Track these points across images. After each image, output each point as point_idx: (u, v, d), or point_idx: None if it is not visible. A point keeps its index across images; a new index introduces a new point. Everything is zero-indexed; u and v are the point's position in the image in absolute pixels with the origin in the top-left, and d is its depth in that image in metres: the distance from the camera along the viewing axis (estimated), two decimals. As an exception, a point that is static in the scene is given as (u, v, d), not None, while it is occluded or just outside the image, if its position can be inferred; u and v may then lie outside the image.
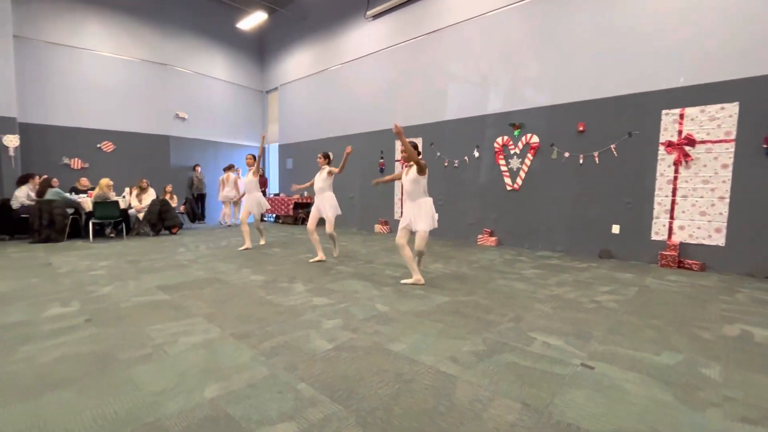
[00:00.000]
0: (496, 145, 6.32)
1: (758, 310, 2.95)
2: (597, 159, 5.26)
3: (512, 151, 6.14)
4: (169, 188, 8.04)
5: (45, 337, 2.30)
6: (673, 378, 1.85)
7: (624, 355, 2.11)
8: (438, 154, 7.14)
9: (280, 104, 11.11)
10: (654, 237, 4.86)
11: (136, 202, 7.39)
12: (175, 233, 7.58)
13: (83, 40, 8.45)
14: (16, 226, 6.49)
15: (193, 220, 9.17)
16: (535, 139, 5.86)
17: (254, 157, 5.75)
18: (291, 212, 9.65)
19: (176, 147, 9.94)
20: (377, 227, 8.24)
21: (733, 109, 4.27)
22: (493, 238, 6.33)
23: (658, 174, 4.79)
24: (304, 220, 9.92)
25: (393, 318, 2.71)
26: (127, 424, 1.46)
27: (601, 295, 3.34)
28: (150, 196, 7.51)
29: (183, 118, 10.02)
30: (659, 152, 4.78)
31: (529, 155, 5.95)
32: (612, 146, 5.13)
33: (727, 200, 4.32)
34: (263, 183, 10.89)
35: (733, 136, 4.29)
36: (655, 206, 4.83)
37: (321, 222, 7.07)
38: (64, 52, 8.21)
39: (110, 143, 8.86)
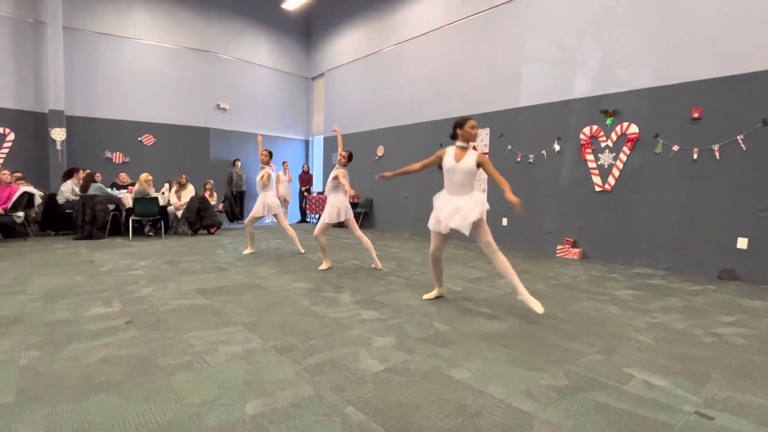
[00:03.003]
0: (582, 136, 6.01)
1: None
2: (717, 154, 4.81)
3: (603, 144, 5.81)
4: (209, 185, 8.63)
5: (89, 337, 2.57)
6: (828, 440, 1.64)
7: (756, 405, 1.91)
8: (509, 147, 6.95)
9: (326, 92, 11.48)
10: (797, 255, 4.33)
11: (175, 199, 8.01)
12: (213, 233, 8.10)
13: (128, 29, 9.36)
14: (62, 221, 7.32)
15: (232, 220, 9.75)
16: (634, 128, 5.49)
17: (270, 153, 5.93)
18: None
19: (216, 140, 10.65)
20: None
21: None
22: (577, 250, 6.02)
23: (804, 173, 4.27)
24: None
25: (454, 339, 2.68)
26: (168, 435, 1.59)
27: (721, 327, 3.04)
28: (189, 192, 8.10)
29: (224, 109, 10.71)
30: (807, 145, 4.26)
31: (626, 149, 5.58)
32: (739, 137, 4.66)
33: None
34: (308, 180, 11.30)
35: None
36: None
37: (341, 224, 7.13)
38: (108, 42, 9.15)
39: (151, 136, 9.72)
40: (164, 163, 9.70)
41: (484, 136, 7.33)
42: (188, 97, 10.19)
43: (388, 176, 3.76)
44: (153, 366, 2.18)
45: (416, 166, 3.61)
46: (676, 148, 5.13)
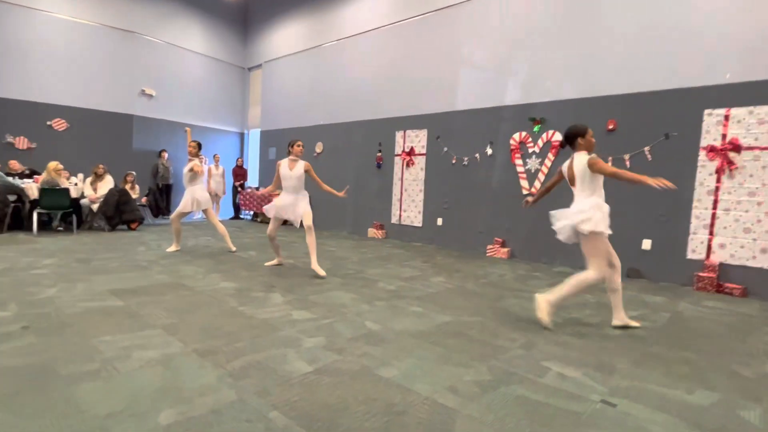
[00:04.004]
0: (512, 141, 6.34)
1: (807, 345, 2.97)
2: (628, 163, 5.29)
3: (531, 150, 6.16)
4: (130, 177, 8.00)
5: (-27, 345, 2.27)
6: (707, 421, 1.85)
7: (652, 391, 2.11)
8: (445, 149, 7.15)
9: (263, 84, 11.10)
10: (690, 255, 4.88)
11: (91, 190, 7.34)
12: (134, 229, 7.53)
13: (38, 0, 8.40)
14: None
15: (156, 215, 9.12)
16: (558, 136, 5.88)
17: (199, 145, 5.66)
18: (271, 210, 9.61)
19: (141, 128, 9.89)
20: (371, 231, 8.23)
21: (785, 112, 4.31)
22: (505, 250, 6.34)
23: (697, 183, 4.82)
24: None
25: (385, 338, 2.69)
26: (66, 453, 1.43)
27: (627, 321, 3.34)
28: (107, 184, 7.46)
29: (150, 96, 9.98)
30: (699, 158, 4.81)
31: (550, 155, 5.97)
32: (646, 149, 5.16)
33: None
34: (242, 175, 10.86)
35: (784, 144, 4.33)
36: (693, 220, 4.86)
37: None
38: (14, 13, 8.14)
39: (63, 121, 8.80)
40: (79, 151, 8.82)
41: (421, 137, 7.48)
42: (108, 81, 9.35)
43: (532, 202, 3.81)
44: (52, 376, 1.96)
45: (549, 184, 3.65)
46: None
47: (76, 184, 7.35)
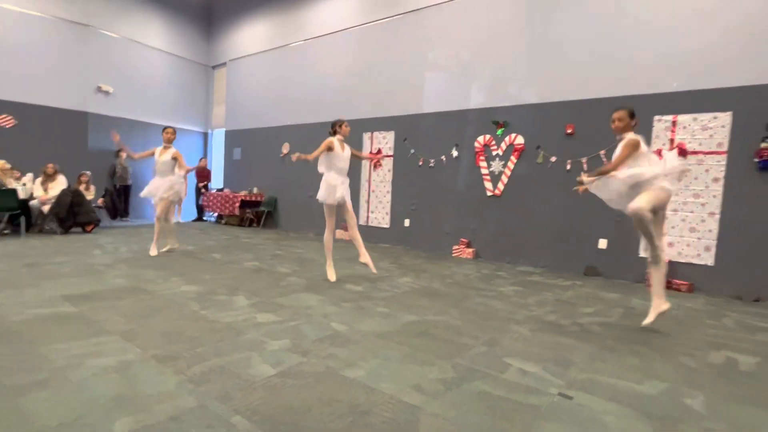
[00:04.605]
0: (476, 144, 6.48)
1: (744, 336, 3.19)
2: (585, 165, 5.52)
3: (494, 153, 6.32)
4: (84, 177, 7.63)
5: None
6: (655, 409, 1.96)
7: (605, 384, 2.21)
8: (412, 150, 7.22)
9: (228, 83, 10.86)
10: (642, 254, 5.14)
11: (41, 191, 6.95)
12: (89, 231, 7.19)
13: (-19, -12, 7.88)
14: None
15: (114, 217, 8.74)
16: (520, 140, 6.06)
17: (174, 131, 5.63)
18: (236, 211, 9.41)
19: (97, 127, 9.44)
20: (339, 233, 8.19)
21: (726, 119, 4.62)
22: (471, 250, 6.46)
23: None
24: (252, 221, 9.71)
25: (351, 339, 2.69)
26: (10, 468, 1.36)
27: (584, 317, 3.48)
28: (59, 185, 7.09)
29: (107, 92, 9.56)
30: (650, 162, 5.07)
31: (513, 158, 6.14)
32: (602, 152, 5.40)
33: (718, 216, 4.65)
34: (206, 176, 10.57)
35: (725, 148, 4.63)
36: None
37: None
38: (-46, 1, 7.61)
39: (10, 117, 8.28)
40: (28, 150, 8.31)
41: (389, 139, 7.53)
42: (62, 76, 8.87)
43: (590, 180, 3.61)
44: (-4, 387, 1.85)
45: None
46: (554, 159, 5.78)
47: (24, 185, 6.94)
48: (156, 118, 10.49)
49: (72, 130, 9.08)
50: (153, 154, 5.40)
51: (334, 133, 4.47)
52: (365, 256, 4.38)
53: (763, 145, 4.41)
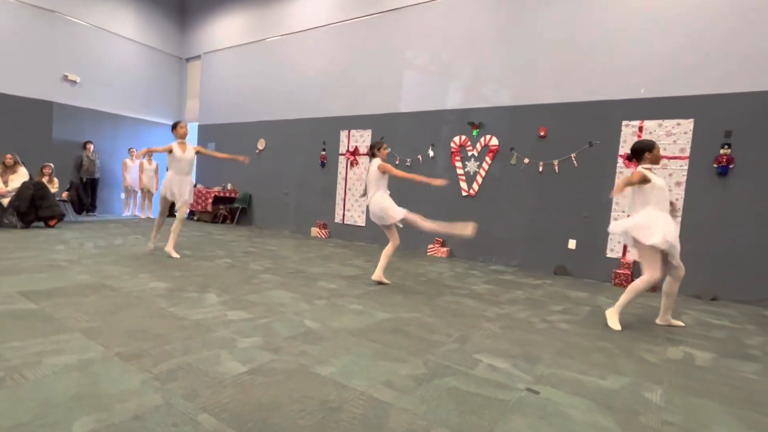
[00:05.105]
0: (452, 144, 6.55)
1: (701, 333, 3.34)
2: (557, 168, 5.66)
3: (470, 153, 6.40)
4: (47, 169, 7.31)
5: None
6: (617, 403, 2.03)
7: (571, 379, 2.28)
8: (389, 149, 7.21)
9: (203, 76, 10.61)
10: (609, 254, 5.31)
11: (0, 184, 6.62)
12: (53, 226, 6.90)
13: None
14: None
15: (80, 211, 8.41)
16: (495, 141, 6.16)
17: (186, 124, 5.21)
18: (209, 208, 9.21)
19: (62, 117, 9.06)
20: (314, 231, 8.14)
21: (688, 125, 4.82)
22: (445, 249, 6.53)
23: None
24: (225, 218, 9.53)
25: (324, 336, 2.68)
26: (-41, 471, 1.29)
27: (552, 315, 3.57)
28: (20, 177, 6.77)
29: (73, 82, 9.18)
30: (618, 165, 5.25)
31: (488, 159, 6.23)
32: (572, 155, 5.54)
33: (679, 219, 4.85)
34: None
35: (687, 153, 4.84)
36: (611, 222, 5.29)
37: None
38: None
39: (-33, 105, 7.86)
40: (-14, 139, 7.92)
41: (366, 137, 7.52)
42: (24, 63, 8.45)
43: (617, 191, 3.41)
44: (-55, 387, 1.75)
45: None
46: (526, 160, 5.90)
47: (-18, 176, 6.60)
48: (126, 110, 10.15)
49: (35, 120, 8.68)
50: (170, 150, 4.89)
51: (372, 156, 4.45)
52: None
53: (722, 151, 4.63)
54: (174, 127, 5.02)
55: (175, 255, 4.94)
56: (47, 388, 1.81)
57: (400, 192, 7.06)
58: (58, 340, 2.33)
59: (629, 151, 3.50)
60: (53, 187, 7.21)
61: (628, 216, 3.41)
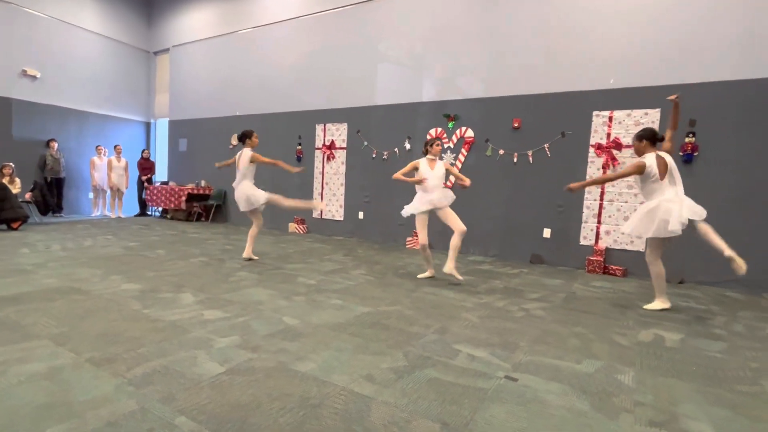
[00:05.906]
0: (429, 137, 6.56)
1: (670, 315, 3.47)
2: (531, 158, 5.74)
3: (446, 145, 6.43)
4: (8, 169, 6.98)
5: None
6: (591, 386, 2.08)
7: (548, 365, 2.33)
8: (365, 143, 7.20)
9: (172, 70, 10.29)
10: (582, 242, 5.44)
11: (-43, 185, 6.29)
12: (16, 229, 6.60)
13: None
14: None
15: (45, 212, 8.08)
16: (470, 133, 6.20)
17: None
18: (183, 205, 8.99)
19: (22, 114, 8.65)
20: (292, 226, 8.05)
21: (655, 115, 4.96)
22: (424, 241, 6.55)
23: (587, 177, 5.38)
24: (200, 215, 9.33)
25: (303, 333, 2.66)
26: None
27: (529, 303, 3.64)
28: (-21, 177, 6.44)
29: (33, 77, 8.76)
30: (589, 154, 5.37)
31: (464, 150, 6.28)
32: (545, 146, 5.64)
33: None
34: (149, 168, 10.00)
35: (654, 143, 4.97)
36: (584, 210, 5.42)
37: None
38: None
39: None
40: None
41: (342, 131, 7.46)
42: (-22, 58, 8.03)
43: (575, 188, 3.79)
44: None
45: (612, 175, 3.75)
46: (501, 152, 5.97)
47: (-64, 178, 6.25)
48: (91, 107, 9.77)
49: (-7, 118, 8.26)
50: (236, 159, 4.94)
51: (426, 153, 4.44)
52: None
53: (687, 139, 4.79)
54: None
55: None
56: (13, 397, 1.73)
57: (377, 184, 7.06)
58: (25, 347, 2.24)
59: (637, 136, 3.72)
60: (15, 188, 6.90)
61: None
